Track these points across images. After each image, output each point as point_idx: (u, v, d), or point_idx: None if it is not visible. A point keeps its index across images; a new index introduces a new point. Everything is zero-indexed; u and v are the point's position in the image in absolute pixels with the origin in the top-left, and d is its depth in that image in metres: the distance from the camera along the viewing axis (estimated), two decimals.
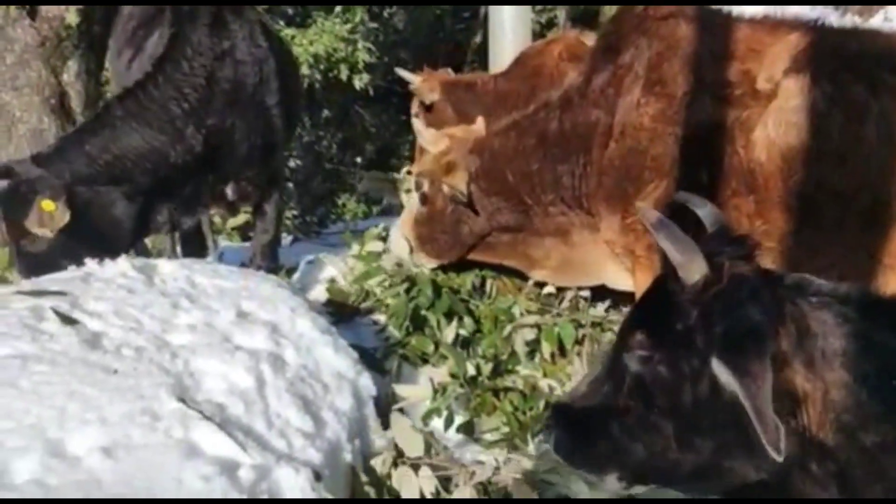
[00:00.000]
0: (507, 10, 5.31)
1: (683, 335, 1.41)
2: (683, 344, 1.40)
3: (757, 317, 1.33)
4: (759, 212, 2.50)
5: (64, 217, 2.85)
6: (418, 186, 3.36)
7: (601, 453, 1.56)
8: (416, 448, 2.27)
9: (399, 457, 2.26)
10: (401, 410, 2.73)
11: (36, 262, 2.90)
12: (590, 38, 4.64)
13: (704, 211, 1.66)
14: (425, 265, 3.39)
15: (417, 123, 3.72)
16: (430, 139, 3.36)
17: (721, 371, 1.33)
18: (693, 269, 1.42)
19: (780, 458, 1.25)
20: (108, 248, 2.66)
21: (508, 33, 5.34)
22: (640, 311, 1.61)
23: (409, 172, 5.22)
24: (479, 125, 3.39)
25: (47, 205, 2.84)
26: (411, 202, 3.49)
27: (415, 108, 5.25)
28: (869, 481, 1.33)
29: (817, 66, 2.41)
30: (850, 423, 1.31)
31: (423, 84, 5.06)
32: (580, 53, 4.47)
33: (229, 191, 3.47)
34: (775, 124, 2.43)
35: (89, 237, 2.89)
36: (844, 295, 1.40)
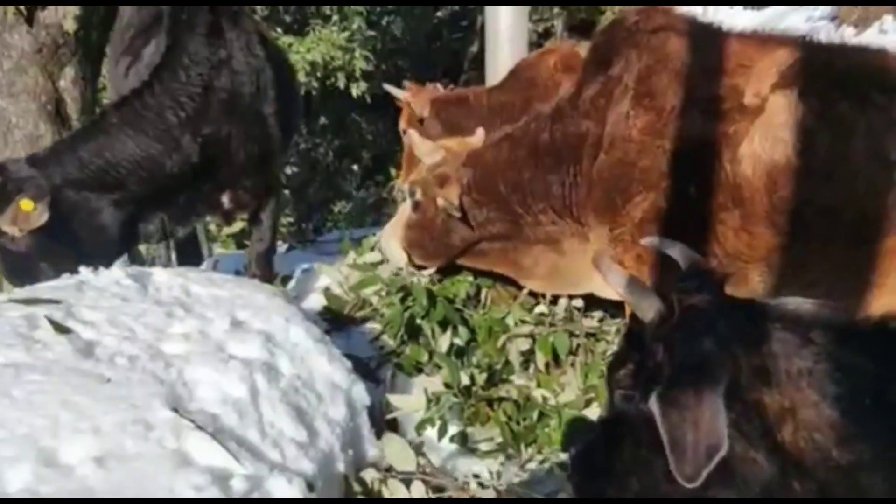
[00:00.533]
0: (504, 20, 5.33)
1: (655, 371, 1.43)
2: (656, 380, 1.42)
3: (706, 346, 1.36)
4: (744, 226, 2.51)
5: (40, 219, 2.84)
6: (411, 194, 3.38)
7: (609, 491, 1.59)
8: (408, 464, 2.27)
9: (389, 472, 2.26)
10: (394, 420, 2.74)
11: (16, 263, 2.90)
12: (585, 49, 4.65)
13: (675, 251, 1.70)
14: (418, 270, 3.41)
15: (414, 136, 3.74)
16: (425, 151, 3.38)
17: (653, 405, 1.36)
18: (645, 307, 1.47)
19: (688, 486, 1.28)
20: (93, 255, 2.66)
21: (505, 43, 5.35)
22: (620, 350, 1.64)
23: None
24: (479, 136, 3.41)
25: (26, 204, 2.83)
26: (402, 208, 3.52)
27: (403, 123, 5.27)
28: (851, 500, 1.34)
29: (805, 82, 2.42)
30: (823, 442, 1.32)
31: (415, 100, 5.12)
32: (575, 64, 4.48)
33: (225, 199, 3.47)
34: (762, 139, 2.44)
35: (74, 242, 2.89)
36: (811, 317, 1.42)
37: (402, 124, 5.30)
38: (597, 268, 1.63)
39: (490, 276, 3.44)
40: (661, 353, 1.42)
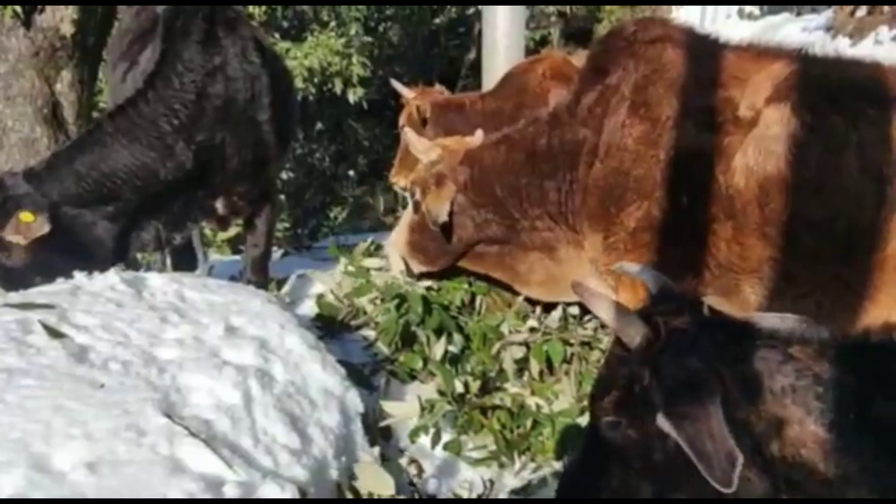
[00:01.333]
0: (501, 27, 5.37)
1: (642, 396, 1.44)
2: (643, 404, 1.43)
3: (696, 364, 1.37)
4: (736, 237, 2.52)
5: (42, 228, 2.86)
6: (412, 194, 3.38)
7: None
8: (386, 489, 2.24)
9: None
10: (388, 428, 2.74)
11: (13, 279, 2.90)
12: (577, 59, 4.73)
13: (645, 275, 1.70)
14: (415, 273, 3.41)
15: (410, 134, 3.74)
16: (421, 149, 3.39)
17: (663, 424, 1.37)
18: (631, 332, 1.47)
19: (727, 490, 1.29)
20: (89, 268, 2.65)
21: (502, 50, 5.39)
22: (603, 377, 1.64)
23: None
24: (477, 137, 3.42)
25: (26, 216, 2.85)
26: (406, 213, 3.52)
27: (403, 119, 5.32)
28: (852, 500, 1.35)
29: (799, 95, 2.44)
30: (810, 457, 1.34)
31: (417, 101, 5.16)
32: (564, 72, 4.61)
33: (220, 205, 3.46)
34: (754, 152, 2.46)
35: (70, 256, 2.88)
36: (789, 333, 1.43)
37: (403, 120, 5.34)
38: (578, 296, 1.62)
39: (485, 283, 3.44)
40: (649, 377, 1.43)
